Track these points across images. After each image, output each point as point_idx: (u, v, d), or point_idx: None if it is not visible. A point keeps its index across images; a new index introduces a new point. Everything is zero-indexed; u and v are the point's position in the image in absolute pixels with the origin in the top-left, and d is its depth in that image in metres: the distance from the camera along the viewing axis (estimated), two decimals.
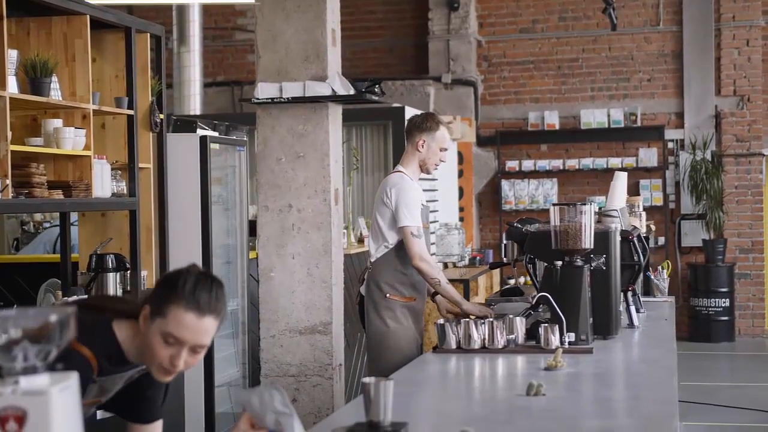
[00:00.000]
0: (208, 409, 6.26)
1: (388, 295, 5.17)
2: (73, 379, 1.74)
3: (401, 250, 5.19)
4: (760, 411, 8.43)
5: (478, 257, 10.67)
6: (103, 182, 5.28)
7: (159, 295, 2.60)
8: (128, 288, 5.59)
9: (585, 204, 4.40)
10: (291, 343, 5.59)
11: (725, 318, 12.21)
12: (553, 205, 4.44)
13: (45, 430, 1.68)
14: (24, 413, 1.68)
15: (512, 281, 9.82)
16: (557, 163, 12.78)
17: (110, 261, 5.41)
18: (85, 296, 4.89)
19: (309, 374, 5.59)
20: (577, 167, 12.71)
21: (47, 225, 8.29)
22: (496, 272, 10.88)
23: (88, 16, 5.18)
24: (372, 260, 5.28)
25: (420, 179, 7.22)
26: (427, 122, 5.27)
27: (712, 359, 11.42)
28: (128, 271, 5.57)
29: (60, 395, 1.70)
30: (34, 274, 6.24)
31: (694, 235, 12.54)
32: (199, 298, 2.57)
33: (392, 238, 5.16)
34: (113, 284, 5.40)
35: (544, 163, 12.81)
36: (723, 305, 12.17)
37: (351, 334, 7.27)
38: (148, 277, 5.86)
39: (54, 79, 4.92)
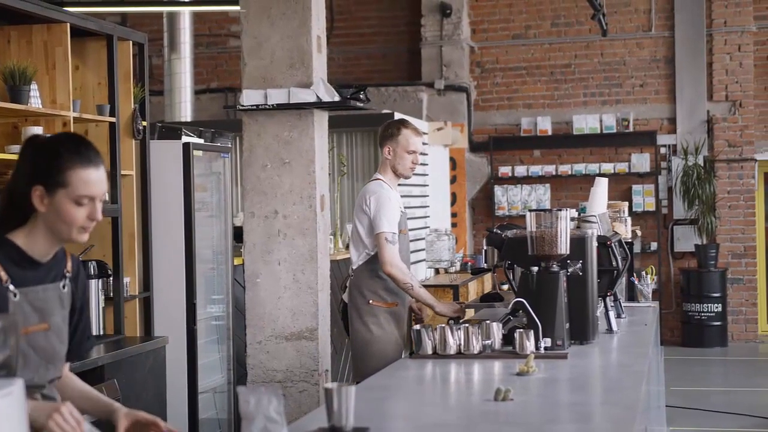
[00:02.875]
0: (191, 416, 6.27)
1: (371, 301, 5.26)
2: (16, 385, 1.76)
3: None
4: (751, 416, 8.44)
5: (470, 263, 10.67)
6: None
7: (46, 170, 2.67)
8: (111, 295, 5.60)
9: (561, 210, 4.42)
10: (277, 349, 5.60)
11: (718, 323, 12.21)
12: (530, 210, 4.46)
13: None
14: None
15: (505, 287, 9.82)
16: (550, 169, 12.79)
17: (92, 268, 5.43)
18: None
19: (295, 380, 5.60)
20: (569, 173, 12.73)
21: None
22: (488, 277, 10.89)
23: (68, 24, 5.20)
24: (353, 267, 5.37)
25: (409, 185, 7.27)
26: (388, 129, 5.42)
27: (704, 364, 11.42)
28: (110, 278, 5.59)
29: (2, 402, 1.72)
30: None
31: (686, 240, 12.55)
32: (86, 154, 2.70)
33: (372, 245, 5.24)
34: (95, 291, 5.41)
35: (536, 169, 12.83)
36: (715, 310, 12.18)
37: (338, 340, 7.28)
38: (131, 283, 5.87)
39: (33, 86, 4.94)
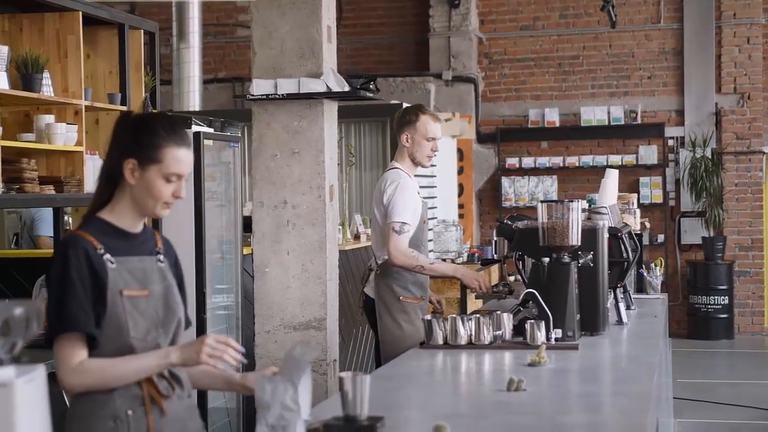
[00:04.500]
0: (201, 405, 6.28)
1: (401, 297, 5.15)
2: (38, 371, 1.77)
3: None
4: (756, 408, 8.44)
5: (477, 254, 10.67)
6: (96, 178, 5.30)
7: (142, 145, 2.79)
8: None
9: (572, 201, 4.41)
10: (285, 338, 5.60)
11: (724, 315, 12.21)
12: (541, 201, 4.45)
13: (9, 422, 1.71)
14: None
15: (512, 278, 9.81)
16: (557, 161, 12.79)
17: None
18: None
19: None
20: (577, 164, 12.73)
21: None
22: (495, 268, 10.89)
23: (80, 13, 5.20)
24: (379, 262, 5.23)
25: (416, 175, 7.22)
26: (406, 116, 5.28)
27: (710, 357, 11.44)
28: None
29: (25, 387, 1.72)
30: (31, 268, 6.27)
31: (693, 232, 12.55)
32: (181, 134, 2.84)
33: None
34: None
35: (544, 161, 12.83)
36: (722, 303, 12.18)
37: (346, 331, 7.29)
38: None
39: (46, 75, 4.95)
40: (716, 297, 12.18)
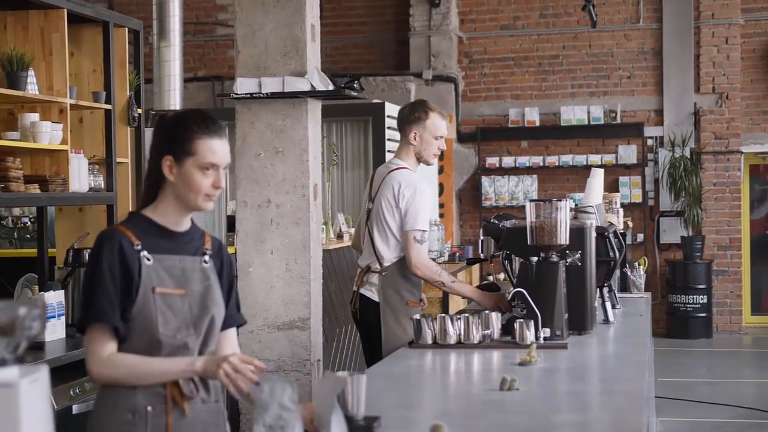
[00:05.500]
0: None
1: (409, 302, 5.03)
2: (42, 372, 1.75)
3: None
4: (736, 407, 8.49)
5: (458, 253, 10.69)
6: (80, 177, 5.28)
7: (176, 141, 2.86)
8: None
9: (561, 200, 4.42)
10: (269, 338, 5.59)
11: (703, 314, 12.28)
12: (530, 201, 4.45)
13: (14, 422, 1.69)
14: None
15: (491, 277, 9.83)
16: (537, 160, 12.83)
17: (87, 256, 5.40)
18: None
19: (287, 370, 5.59)
20: (557, 164, 12.77)
21: (25, 220, 8.27)
22: (476, 268, 10.91)
23: (65, 10, 5.17)
24: (385, 264, 5.04)
25: None
26: (414, 113, 5.08)
27: (689, 355, 11.49)
28: None
29: (29, 387, 1.71)
30: (13, 268, 6.23)
31: (672, 231, 12.61)
32: (212, 126, 2.89)
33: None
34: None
35: (524, 160, 12.86)
36: (701, 302, 12.25)
37: (329, 330, 7.27)
38: None
39: (31, 73, 4.91)
40: (695, 296, 12.25)
